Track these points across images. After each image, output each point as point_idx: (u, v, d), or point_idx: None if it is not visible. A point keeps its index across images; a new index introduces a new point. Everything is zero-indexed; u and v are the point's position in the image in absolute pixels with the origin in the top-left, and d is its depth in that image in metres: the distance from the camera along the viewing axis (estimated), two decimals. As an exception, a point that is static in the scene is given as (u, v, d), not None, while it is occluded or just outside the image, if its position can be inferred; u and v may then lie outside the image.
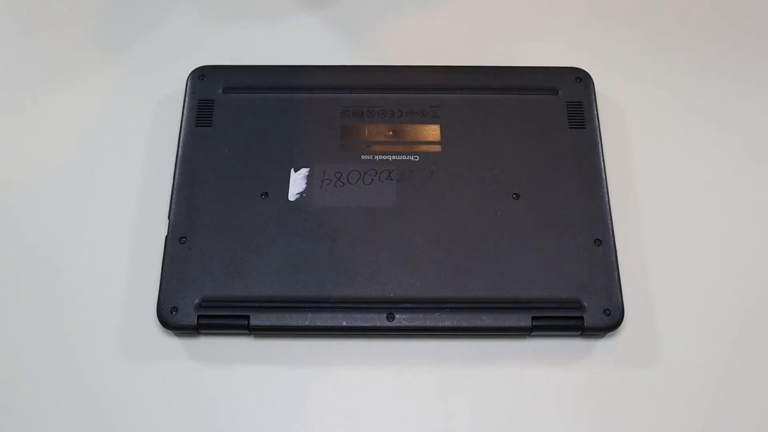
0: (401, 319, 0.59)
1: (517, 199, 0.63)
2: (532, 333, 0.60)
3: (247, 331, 0.60)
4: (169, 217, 0.63)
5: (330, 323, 0.59)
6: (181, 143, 0.66)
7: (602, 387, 0.60)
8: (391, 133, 0.66)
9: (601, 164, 0.65)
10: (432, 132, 0.66)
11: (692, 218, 0.66)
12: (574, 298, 0.60)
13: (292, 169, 0.65)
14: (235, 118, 0.67)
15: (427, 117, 0.67)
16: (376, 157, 0.65)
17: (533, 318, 0.59)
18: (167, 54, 0.73)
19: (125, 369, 0.60)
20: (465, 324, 0.59)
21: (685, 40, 0.74)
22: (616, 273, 0.61)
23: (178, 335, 0.61)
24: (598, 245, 0.62)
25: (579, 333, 0.60)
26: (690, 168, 0.68)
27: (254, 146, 0.66)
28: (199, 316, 0.59)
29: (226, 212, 0.63)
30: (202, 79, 0.69)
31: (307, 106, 0.67)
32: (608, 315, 0.59)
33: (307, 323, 0.59)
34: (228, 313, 0.59)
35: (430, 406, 0.59)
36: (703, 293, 0.63)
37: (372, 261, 0.61)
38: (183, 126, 0.67)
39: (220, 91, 0.68)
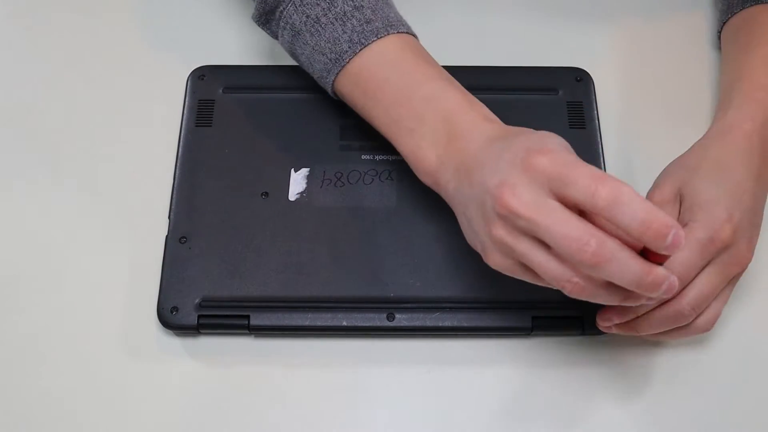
0: (401, 319, 0.59)
1: (517, 199, 0.63)
2: (532, 333, 0.60)
3: (247, 331, 0.60)
4: (169, 217, 0.63)
5: (330, 323, 0.59)
6: (181, 143, 0.66)
7: (602, 387, 0.60)
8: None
9: (601, 164, 0.65)
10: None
11: (692, 218, 0.66)
12: (574, 298, 0.60)
13: (292, 169, 0.65)
14: (235, 118, 0.67)
15: (427, 117, 0.67)
16: (377, 157, 0.65)
17: (533, 318, 0.59)
18: (167, 54, 0.73)
19: (126, 368, 0.60)
20: (465, 324, 0.59)
21: (686, 40, 0.74)
22: (616, 273, 0.61)
23: (178, 335, 0.61)
24: (598, 245, 0.61)
25: (579, 333, 0.60)
26: (690, 168, 0.68)
27: (254, 146, 0.66)
28: (199, 316, 0.59)
29: (226, 212, 0.63)
30: (202, 79, 0.69)
31: (307, 106, 0.67)
32: (608, 315, 0.59)
33: (307, 323, 0.59)
34: (228, 313, 0.59)
35: (430, 406, 0.59)
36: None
37: (372, 261, 0.61)
38: (183, 126, 0.67)
39: (220, 91, 0.68)
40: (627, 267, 0.46)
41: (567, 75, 0.69)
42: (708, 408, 0.59)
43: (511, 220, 0.49)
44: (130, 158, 0.68)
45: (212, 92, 0.68)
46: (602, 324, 0.57)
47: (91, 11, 0.75)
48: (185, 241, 0.62)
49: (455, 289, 0.60)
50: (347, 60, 0.59)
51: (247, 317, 0.59)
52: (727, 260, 0.55)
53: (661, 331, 0.56)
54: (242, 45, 0.73)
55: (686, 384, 0.60)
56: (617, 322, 0.56)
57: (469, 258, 0.61)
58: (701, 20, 0.75)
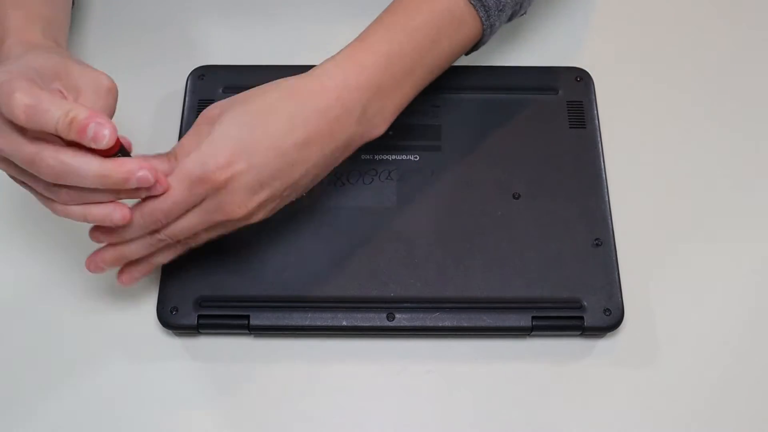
0: (401, 319, 0.59)
1: (517, 199, 0.63)
2: (532, 333, 0.60)
3: (247, 331, 0.60)
4: (169, 217, 0.63)
5: (330, 323, 0.59)
6: (181, 143, 0.66)
7: (602, 387, 0.60)
8: (391, 132, 0.66)
9: (601, 164, 0.65)
10: (432, 132, 0.66)
11: (692, 219, 0.66)
12: (574, 298, 0.60)
13: (292, 169, 0.64)
14: (235, 118, 0.67)
15: (427, 117, 0.67)
16: (376, 157, 0.65)
17: (533, 318, 0.59)
18: (167, 54, 0.73)
19: (125, 368, 0.60)
20: (465, 324, 0.59)
21: (686, 40, 0.74)
22: (616, 273, 0.61)
23: (178, 335, 0.61)
24: (598, 245, 0.61)
25: (579, 333, 0.60)
26: (690, 168, 0.68)
27: (254, 146, 0.65)
28: (199, 316, 0.59)
29: (226, 212, 0.63)
30: (202, 79, 0.69)
31: (307, 106, 0.67)
32: (608, 315, 0.59)
33: (307, 323, 0.59)
34: (228, 313, 0.59)
35: (430, 406, 0.59)
36: (703, 294, 0.63)
37: (372, 261, 0.61)
38: (183, 126, 0.67)
39: (220, 91, 0.68)
40: (88, 168, 0.49)
41: (567, 75, 0.69)
42: (712, 406, 0.59)
43: None
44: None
45: (212, 92, 0.68)
46: (94, 261, 0.56)
47: (91, 11, 0.75)
48: (185, 241, 0.62)
49: (455, 289, 0.60)
50: None
51: (247, 317, 0.59)
52: (214, 205, 0.53)
53: (144, 251, 0.55)
54: (242, 45, 0.73)
55: (686, 384, 0.60)
56: (108, 255, 0.56)
57: (469, 258, 0.61)
58: (700, 20, 0.75)
